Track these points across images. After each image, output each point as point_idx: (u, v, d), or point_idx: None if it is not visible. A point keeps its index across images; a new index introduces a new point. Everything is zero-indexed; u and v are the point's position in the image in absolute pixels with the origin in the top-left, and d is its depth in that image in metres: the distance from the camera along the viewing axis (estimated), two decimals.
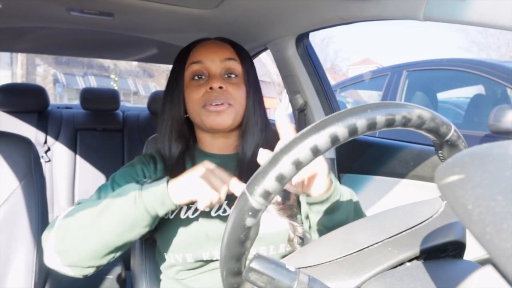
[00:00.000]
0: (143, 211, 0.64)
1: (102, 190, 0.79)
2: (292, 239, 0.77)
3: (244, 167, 0.82)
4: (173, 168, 0.82)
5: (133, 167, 0.84)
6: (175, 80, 0.86)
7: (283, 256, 0.78)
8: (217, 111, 0.79)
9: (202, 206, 0.65)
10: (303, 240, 0.79)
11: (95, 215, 0.66)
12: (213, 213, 0.78)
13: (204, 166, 0.67)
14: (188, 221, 0.77)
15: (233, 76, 0.84)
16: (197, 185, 0.64)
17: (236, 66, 0.84)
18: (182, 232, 0.76)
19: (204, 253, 0.76)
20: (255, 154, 0.80)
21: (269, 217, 0.77)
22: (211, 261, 0.78)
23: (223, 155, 0.87)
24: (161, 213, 0.66)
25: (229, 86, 0.81)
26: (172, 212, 0.78)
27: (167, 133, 0.85)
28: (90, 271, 0.69)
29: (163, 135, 0.86)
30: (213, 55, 0.83)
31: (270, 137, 0.86)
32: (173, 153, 0.85)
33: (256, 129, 0.85)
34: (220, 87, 0.79)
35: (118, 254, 0.69)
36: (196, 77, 0.83)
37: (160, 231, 0.79)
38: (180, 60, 0.87)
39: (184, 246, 0.76)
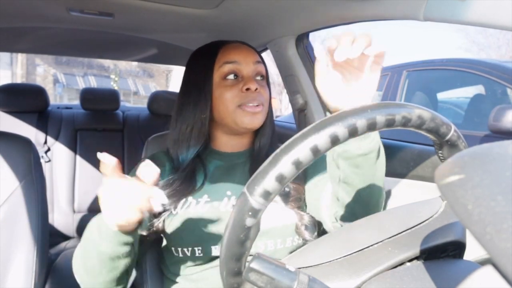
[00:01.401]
0: (110, 243, 0.61)
1: None
2: (299, 228, 0.79)
3: (258, 165, 0.82)
4: (185, 167, 0.83)
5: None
6: (202, 80, 0.85)
7: (291, 251, 0.80)
8: (253, 112, 0.82)
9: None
10: (309, 230, 0.80)
11: (83, 261, 0.67)
12: (222, 208, 0.80)
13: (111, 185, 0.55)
14: (197, 216, 0.78)
15: (261, 78, 0.87)
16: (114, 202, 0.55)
17: (263, 69, 0.89)
18: (191, 226, 0.77)
19: (213, 247, 0.77)
20: (268, 152, 0.84)
21: (276, 211, 0.79)
22: (218, 257, 0.78)
23: (233, 153, 0.89)
24: (127, 240, 0.61)
25: (261, 88, 0.84)
26: (174, 207, 0.79)
27: (187, 133, 0.85)
28: None
29: (182, 135, 0.86)
30: (248, 57, 0.86)
31: (275, 135, 0.92)
32: (190, 153, 0.86)
33: (270, 128, 0.90)
34: (256, 89, 0.82)
35: (130, 275, 0.71)
36: (229, 77, 0.84)
37: (169, 226, 0.80)
38: (207, 60, 0.87)
39: (193, 240, 0.77)
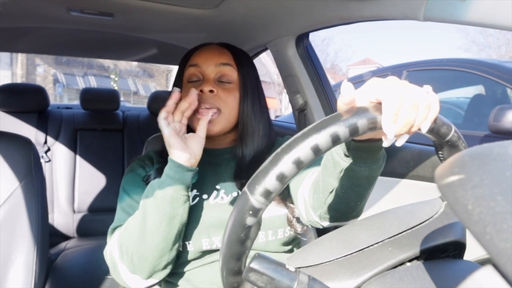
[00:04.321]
0: (172, 187, 0.70)
1: (123, 203, 0.81)
2: (291, 221, 0.79)
3: (243, 171, 0.84)
4: None
5: (134, 172, 0.85)
6: (177, 82, 0.89)
7: (282, 242, 0.81)
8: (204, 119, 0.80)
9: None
10: (301, 222, 0.81)
11: (141, 224, 0.71)
12: (211, 201, 0.80)
13: (162, 123, 0.73)
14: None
15: (226, 81, 0.84)
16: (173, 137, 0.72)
17: (230, 72, 0.85)
18: None
19: (204, 240, 0.78)
20: (255, 159, 0.84)
21: None
22: (211, 251, 0.79)
23: (219, 149, 0.89)
24: (186, 178, 0.72)
25: (221, 91, 0.82)
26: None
27: None
28: (170, 268, 0.75)
29: None
30: (209, 60, 0.85)
31: (271, 141, 0.89)
32: None
33: (258, 135, 0.86)
34: (211, 91, 0.80)
35: (181, 239, 0.75)
36: (192, 80, 0.85)
37: None
38: (183, 63, 0.90)
39: (184, 233, 0.77)
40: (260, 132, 0.86)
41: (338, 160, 0.59)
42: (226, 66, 0.85)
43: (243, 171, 0.83)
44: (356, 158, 0.58)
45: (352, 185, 0.62)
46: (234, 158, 0.87)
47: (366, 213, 0.77)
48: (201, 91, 0.80)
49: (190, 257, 0.79)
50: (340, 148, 0.59)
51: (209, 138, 0.87)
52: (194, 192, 0.81)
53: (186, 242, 0.78)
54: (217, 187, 0.83)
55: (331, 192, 0.65)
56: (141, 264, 0.71)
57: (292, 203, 0.82)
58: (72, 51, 2.24)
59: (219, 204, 0.80)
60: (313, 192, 0.70)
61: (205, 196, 0.81)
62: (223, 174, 0.85)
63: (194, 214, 0.78)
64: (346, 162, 0.59)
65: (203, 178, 0.83)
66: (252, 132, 0.86)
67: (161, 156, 0.87)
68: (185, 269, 0.81)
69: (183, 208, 0.72)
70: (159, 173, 0.81)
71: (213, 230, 0.78)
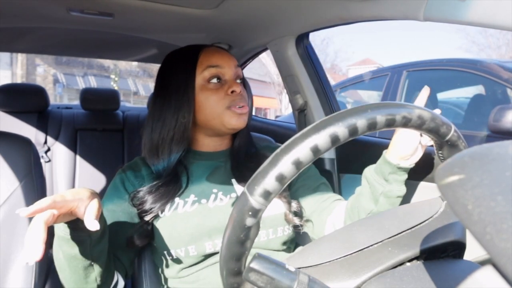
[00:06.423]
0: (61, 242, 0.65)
1: None
2: (288, 215, 0.81)
3: (237, 164, 0.88)
4: (169, 172, 0.84)
5: (114, 184, 0.87)
6: (184, 84, 0.83)
7: (283, 241, 0.82)
8: (240, 113, 0.84)
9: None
10: (298, 216, 0.84)
11: (56, 255, 0.69)
12: (210, 205, 0.81)
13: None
14: (187, 215, 0.79)
15: (240, 81, 0.89)
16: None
17: (242, 72, 0.91)
18: (182, 225, 0.78)
19: (207, 244, 0.78)
20: (246, 152, 0.90)
21: None
22: (212, 254, 0.79)
23: (214, 153, 0.90)
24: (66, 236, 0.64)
25: (242, 90, 0.87)
26: (162, 211, 0.80)
27: (168, 138, 0.83)
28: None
29: (163, 141, 0.84)
30: (229, 61, 0.87)
31: (250, 134, 0.96)
32: (173, 158, 0.84)
33: (246, 129, 0.92)
34: (240, 91, 0.85)
35: (97, 278, 0.71)
36: (214, 80, 0.85)
37: (159, 230, 0.80)
38: (188, 64, 0.85)
39: (186, 239, 0.77)
40: (247, 126, 0.93)
41: (378, 186, 0.75)
42: (239, 68, 0.90)
43: (239, 165, 0.87)
44: (398, 181, 0.75)
45: (389, 204, 0.75)
46: (228, 160, 0.90)
47: None
48: (232, 92, 0.83)
49: (193, 261, 0.79)
50: (379, 175, 0.76)
51: (211, 142, 0.90)
52: (192, 197, 0.81)
53: (189, 247, 0.77)
54: (215, 190, 0.83)
55: (368, 214, 0.76)
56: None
57: (287, 198, 0.84)
58: (72, 51, 2.24)
59: (219, 207, 0.81)
60: (349, 220, 0.81)
61: (203, 201, 0.81)
62: (220, 178, 0.86)
63: (194, 219, 0.78)
64: (385, 186, 0.75)
65: (200, 183, 0.84)
66: (247, 127, 0.92)
67: (147, 164, 0.88)
68: (188, 273, 0.80)
69: (81, 262, 0.66)
70: (149, 179, 0.84)
71: (215, 233, 0.78)
